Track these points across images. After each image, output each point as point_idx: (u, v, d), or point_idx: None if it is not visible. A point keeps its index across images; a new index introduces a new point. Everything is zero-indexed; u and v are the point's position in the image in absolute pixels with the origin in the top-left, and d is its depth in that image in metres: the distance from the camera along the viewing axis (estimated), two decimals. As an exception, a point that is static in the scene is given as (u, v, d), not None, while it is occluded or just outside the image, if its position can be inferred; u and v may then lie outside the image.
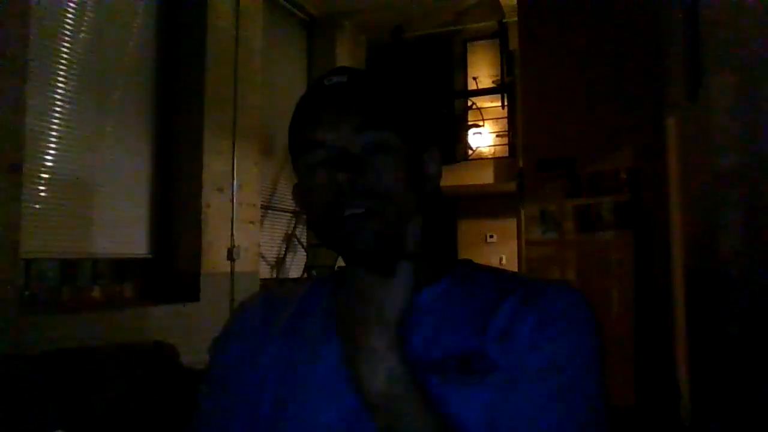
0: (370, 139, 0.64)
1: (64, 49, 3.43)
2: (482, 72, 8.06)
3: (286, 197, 5.79)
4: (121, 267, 3.90)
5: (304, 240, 5.97)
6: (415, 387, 0.59)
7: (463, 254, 0.82)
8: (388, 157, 0.64)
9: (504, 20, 6.74)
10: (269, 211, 5.47)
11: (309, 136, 0.65)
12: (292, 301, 0.74)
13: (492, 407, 0.60)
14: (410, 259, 0.62)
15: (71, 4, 3.49)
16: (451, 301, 0.67)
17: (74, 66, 3.49)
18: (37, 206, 3.23)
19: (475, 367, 0.62)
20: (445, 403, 0.60)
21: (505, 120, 7.82)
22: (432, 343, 0.64)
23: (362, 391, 0.60)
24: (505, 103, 7.35)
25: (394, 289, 0.61)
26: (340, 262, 0.72)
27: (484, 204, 8.02)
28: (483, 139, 7.95)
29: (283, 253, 5.72)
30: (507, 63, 7.04)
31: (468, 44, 8.08)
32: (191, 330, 3.73)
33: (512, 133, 7.33)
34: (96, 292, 3.70)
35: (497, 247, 8.38)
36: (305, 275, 5.71)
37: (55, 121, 3.36)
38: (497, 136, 8.05)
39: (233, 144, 4.37)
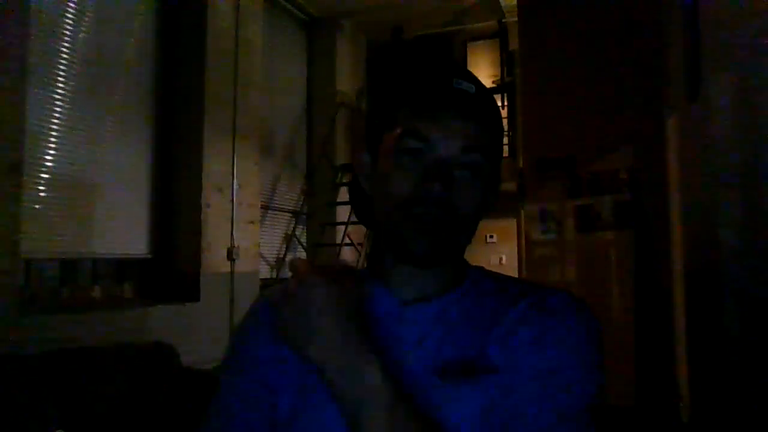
0: (472, 159, 0.67)
1: (64, 49, 3.43)
2: (482, 72, 8.04)
3: (286, 197, 5.79)
4: (121, 267, 3.90)
5: (304, 240, 5.96)
6: (396, 397, 0.57)
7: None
8: (477, 183, 0.68)
9: (504, 20, 6.74)
10: (269, 211, 5.46)
11: (422, 128, 0.67)
12: None
13: (488, 407, 0.61)
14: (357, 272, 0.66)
15: (71, 4, 3.49)
16: (461, 310, 0.70)
17: (74, 66, 3.48)
18: (37, 206, 3.22)
19: (476, 368, 0.64)
20: (441, 404, 0.61)
21: (505, 120, 7.82)
22: (438, 351, 0.66)
23: (337, 402, 0.59)
24: (505, 103, 7.35)
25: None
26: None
27: (484, 204, 8.00)
28: (483, 139, 7.95)
29: (283, 253, 5.72)
30: (507, 63, 7.04)
31: (468, 44, 8.07)
32: (191, 330, 3.73)
33: (512, 133, 7.33)
34: (96, 292, 3.69)
35: (497, 247, 8.38)
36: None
37: (55, 121, 3.35)
38: (497, 136, 8.06)
39: (233, 144, 4.37)
